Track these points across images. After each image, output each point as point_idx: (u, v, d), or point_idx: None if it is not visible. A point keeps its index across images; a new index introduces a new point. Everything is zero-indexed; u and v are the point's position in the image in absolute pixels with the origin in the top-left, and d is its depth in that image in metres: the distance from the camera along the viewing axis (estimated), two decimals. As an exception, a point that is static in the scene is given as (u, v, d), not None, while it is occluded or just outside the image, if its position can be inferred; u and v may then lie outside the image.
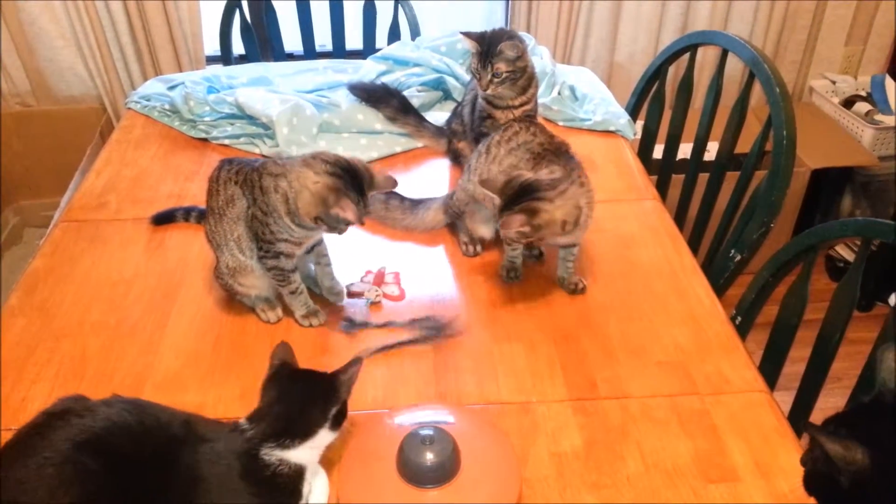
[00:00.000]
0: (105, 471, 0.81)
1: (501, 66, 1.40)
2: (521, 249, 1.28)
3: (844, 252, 2.57)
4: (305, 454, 0.88)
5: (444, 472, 0.89)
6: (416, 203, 1.44)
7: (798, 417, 1.29)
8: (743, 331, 1.32)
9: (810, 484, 0.69)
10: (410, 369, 1.14)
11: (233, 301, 1.23)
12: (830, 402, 1.22)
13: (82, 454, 0.81)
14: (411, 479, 0.88)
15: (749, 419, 1.04)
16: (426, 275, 1.34)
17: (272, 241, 1.13)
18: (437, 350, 1.17)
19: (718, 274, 1.53)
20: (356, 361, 0.93)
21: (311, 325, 1.21)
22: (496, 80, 1.41)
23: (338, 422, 0.91)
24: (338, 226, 1.10)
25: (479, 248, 1.38)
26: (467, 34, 1.44)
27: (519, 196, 1.14)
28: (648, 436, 1.02)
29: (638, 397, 1.08)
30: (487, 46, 1.41)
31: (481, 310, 1.26)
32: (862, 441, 0.63)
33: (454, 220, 1.41)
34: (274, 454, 0.85)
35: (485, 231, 1.35)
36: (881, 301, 2.45)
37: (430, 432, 0.91)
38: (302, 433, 0.87)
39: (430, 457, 0.89)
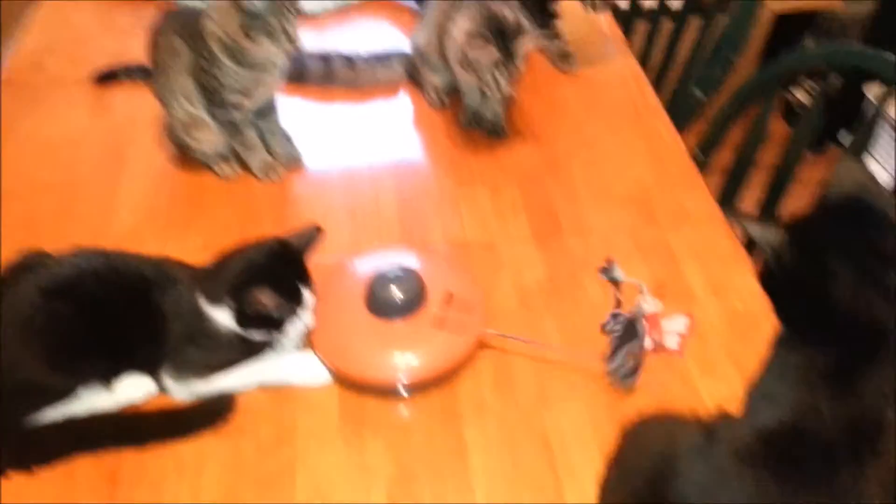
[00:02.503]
0: (76, 313, 0.81)
1: None
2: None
3: (802, 97, 2.58)
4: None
5: (411, 306, 0.91)
6: (371, 59, 1.38)
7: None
8: (703, 165, 1.33)
9: (764, 281, 0.71)
10: (374, 216, 1.14)
11: (187, 158, 1.20)
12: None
13: (53, 300, 0.81)
14: (379, 313, 0.90)
15: (706, 246, 1.07)
16: (387, 128, 1.31)
17: (219, 90, 1.08)
18: (401, 196, 1.17)
19: (681, 114, 1.52)
20: (315, 230, 0.91)
21: (269, 179, 1.18)
22: None
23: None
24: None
25: (445, 98, 1.34)
26: None
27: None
28: (610, 266, 1.04)
29: (600, 232, 1.10)
30: None
31: (444, 155, 1.25)
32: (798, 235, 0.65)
33: (414, 74, 1.36)
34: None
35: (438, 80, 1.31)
36: (833, 142, 2.49)
37: (398, 271, 0.92)
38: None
39: (397, 292, 0.90)
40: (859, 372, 0.57)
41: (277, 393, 0.88)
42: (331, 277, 0.96)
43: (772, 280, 0.67)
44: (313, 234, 0.91)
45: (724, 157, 1.36)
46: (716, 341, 0.94)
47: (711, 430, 0.60)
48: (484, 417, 0.86)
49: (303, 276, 0.88)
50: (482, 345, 0.92)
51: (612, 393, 0.88)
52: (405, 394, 0.88)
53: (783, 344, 0.65)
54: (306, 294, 0.87)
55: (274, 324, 0.86)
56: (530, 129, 1.29)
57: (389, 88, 1.39)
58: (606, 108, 1.34)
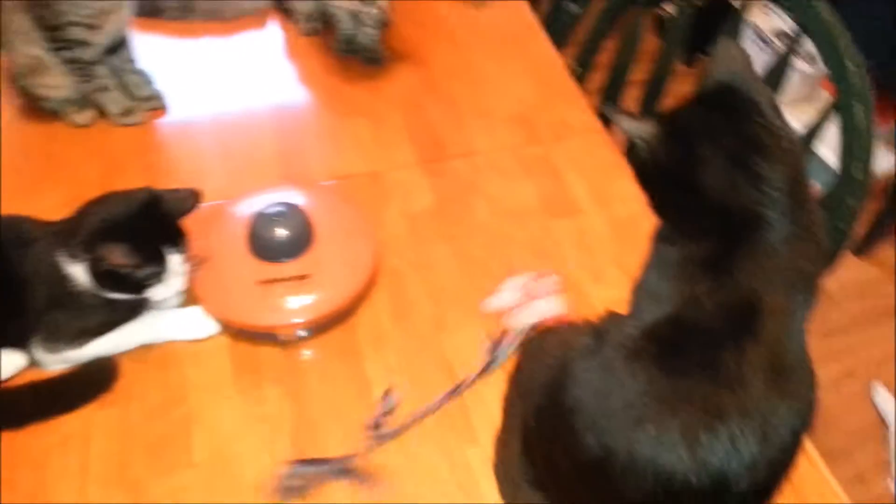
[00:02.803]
0: None
1: None
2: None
3: (673, 11, 2.63)
4: None
5: (298, 245, 0.87)
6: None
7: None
8: (581, 79, 1.34)
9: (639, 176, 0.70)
10: (250, 156, 1.08)
11: (37, 108, 1.09)
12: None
13: None
14: (265, 256, 0.86)
15: (588, 158, 1.08)
16: (257, 62, 1.24)
17: (60, 26, 0.97)
18: (278, 133, 1.11)
19: (558, 31, 1.52)
20: (192, 193, 0.84)
21: (129, 123, 1.09)
22: None
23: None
24: None
25: (318, 25, 1.26)
26: None
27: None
28: (496, 186, 1.04)
29: (484, 152, 1.09)
30: None
31: (321, 86, 1.20)
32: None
33: (282, 0, 1.28)
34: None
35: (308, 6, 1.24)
36: (704, 54, 2.57)
37: (280, 209, 0.88)
38: None
39: (281, 232, 0.86)
40: (733, 259, 0.58)
41: (163, 351, 0.84)
42: (208, 225, 0.90)
43: (646, 174, 0.67)
44: (189, 198, 0.83)
45: (601, 75, 1.38)
46: (602, 249, 0.96)
47: (600, 331, 0.61)
48: (384, 350, 0.85)
49: (171, 238, 0.81)
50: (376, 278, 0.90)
51: (509, 311, 0.89)
52: (301, 336, 0.86)
53: (661, 239, 0.65)
54: (174, 258, 0.80)
55: (133, 286, 0.79)
56: (409, 54, 1.25)
57: (256, 18, 1.30)
58: (485, 29, 1.32)
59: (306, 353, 0.86)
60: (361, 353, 0.85)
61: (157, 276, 0.79)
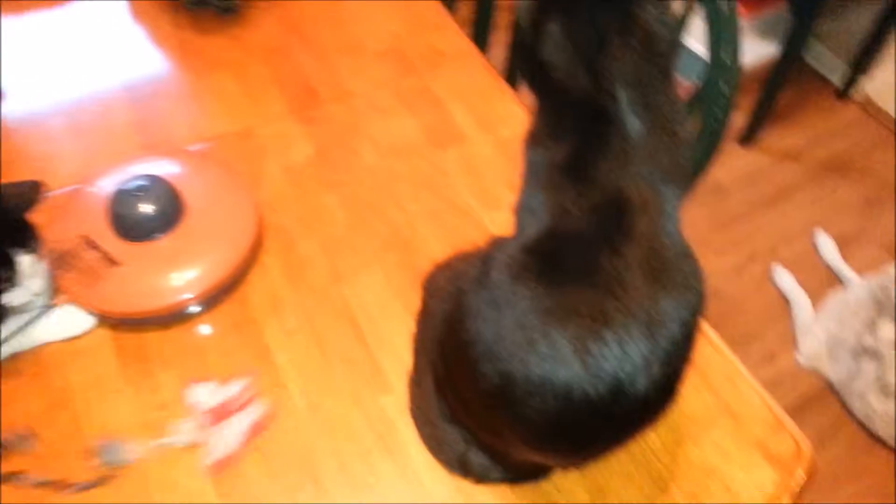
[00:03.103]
0: None
1: None
2: None
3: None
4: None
5: (167, 218, 0.80)
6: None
7: (513, 84, 1.33)
8: (450, 4, 1.29)
9: (521, 67, 0.66)
10: (106, 131, 0.99)
11: None
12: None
13: None
14: (131, 235, 0.79)
15: (466, 84, 1.05)
16: (99, 26, 1.12)
17: None
18: (132, 101, 1.02)
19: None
20: (32, 185, 0.76)
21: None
22: None
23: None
24: None
25: None
26: None
27: None
28: (378, 126, 0.99)
29: (361, 94, 1.04)
30: None
31: (174, 44, 1.10)
32: None
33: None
34: None
35: None
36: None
37: (141, 182, 0.81)
38: None
39: (145, 207, 0.79)
40: (589, 159, 0.55)
41: (38, 356, 0.77)
42: (65, 213, 0.83)
43: (520, 55, 0.62)
44: (30, 191, 0.76)
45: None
46: (491, 173, 0.94)
47: (487, 257, 0.58)
48: (281, 313, 0.81)
49: (17, 237, 0.73)
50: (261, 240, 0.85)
51: (408, 253, 0.86)
52: (190, 313, 0.80)
53: (528, 143, 0.62)
54: (24, 258, 0.73)
55: None
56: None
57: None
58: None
59: (197, 331, 0.80)
60: (256, 320, 0.80)
61: (9, 280, 0.71)
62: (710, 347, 0.78)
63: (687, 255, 0.56)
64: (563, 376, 0.50)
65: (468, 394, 0.58)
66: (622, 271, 0.52)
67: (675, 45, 0.60)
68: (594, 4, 0.56)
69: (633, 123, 0.55)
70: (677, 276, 0.54)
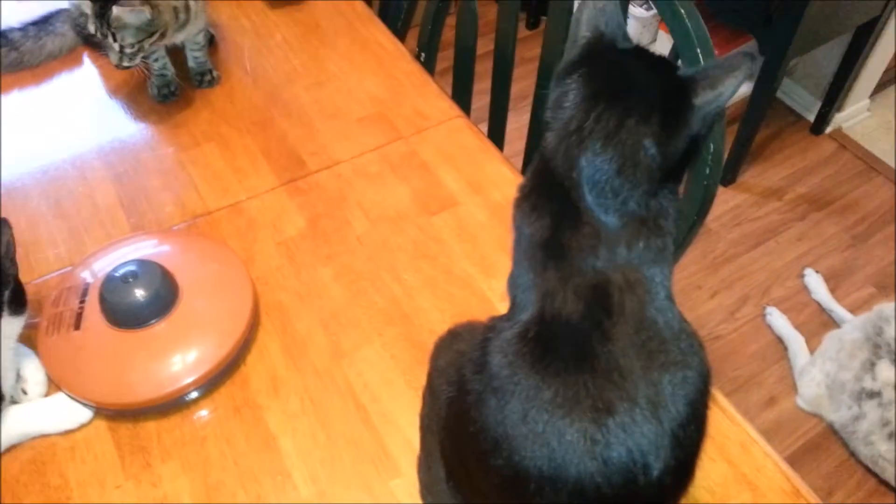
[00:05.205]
0: None
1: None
2: (166, 59, 1.09)
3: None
4: None
5: (162, 303, 0.78)
6: (31, 29, 1.15)
7: (496, 140, 1.34)
8: (429, 66, 1.30)
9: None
10: (91, 211, 0.97)
11: None
12: (523, 119, 1.27)
13: None
14: (125, 323, 0.77)
15: (453, 147, 1.05)
16: (79, 105, 1.12)
17: None
18: (117, 180, 1.01)
19: (395, 18, 1.47)
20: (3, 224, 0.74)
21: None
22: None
23: (17, 304, 0.75)
24: None
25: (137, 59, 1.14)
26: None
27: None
28: (367, 193, 0.99)
29: (348, 160, 1.03)
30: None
31: (157, 119, 1.10)
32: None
33: (87, 33, 1.15)
34: None
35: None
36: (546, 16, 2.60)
37: (130, 267, 0.79)
38: None
39: (137, 293, 0.77)
40: (566, 242, 0.53)
41: (34, 451, 0.74)
42: (55, 300, 0.80)
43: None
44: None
45: (448, 53, 1.34)
46: (486, 238, 0.93)
47: (484, 341, 0.56)
48: (282, 395, 0.79)
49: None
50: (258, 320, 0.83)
51: (408, 325, 0.84)
52: (190, 399, 0.78)
53: (516, 206, 0.59)
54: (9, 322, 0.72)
55: None
56: (243, 68, 1.17)
57: (68, 58, 1.18)
58: (319, 28, 1.25)
59: (197, 417, 0.77)
60: (258, 403, 0.78)
61: None
62: (722, 415, 0.76)
63: (683, 329, 0.54)
64: (575, 471, 0.49)
65: (481, 484, 0.56)
66: (617, 356, 0.50)
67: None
68: (591, 87, 0.54)
69: (606, 218, 0.53)
70: (674, 354, 0.52)
